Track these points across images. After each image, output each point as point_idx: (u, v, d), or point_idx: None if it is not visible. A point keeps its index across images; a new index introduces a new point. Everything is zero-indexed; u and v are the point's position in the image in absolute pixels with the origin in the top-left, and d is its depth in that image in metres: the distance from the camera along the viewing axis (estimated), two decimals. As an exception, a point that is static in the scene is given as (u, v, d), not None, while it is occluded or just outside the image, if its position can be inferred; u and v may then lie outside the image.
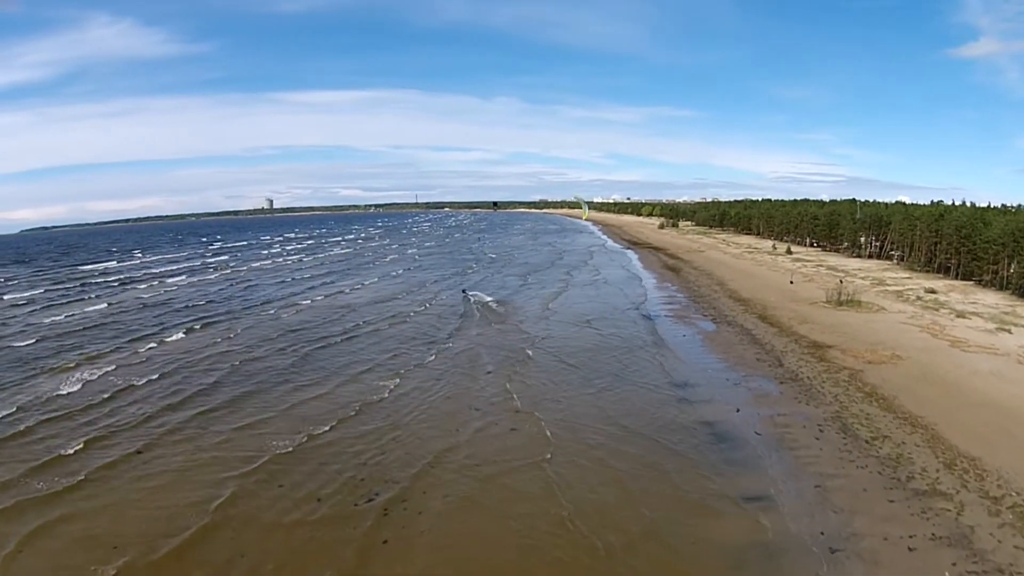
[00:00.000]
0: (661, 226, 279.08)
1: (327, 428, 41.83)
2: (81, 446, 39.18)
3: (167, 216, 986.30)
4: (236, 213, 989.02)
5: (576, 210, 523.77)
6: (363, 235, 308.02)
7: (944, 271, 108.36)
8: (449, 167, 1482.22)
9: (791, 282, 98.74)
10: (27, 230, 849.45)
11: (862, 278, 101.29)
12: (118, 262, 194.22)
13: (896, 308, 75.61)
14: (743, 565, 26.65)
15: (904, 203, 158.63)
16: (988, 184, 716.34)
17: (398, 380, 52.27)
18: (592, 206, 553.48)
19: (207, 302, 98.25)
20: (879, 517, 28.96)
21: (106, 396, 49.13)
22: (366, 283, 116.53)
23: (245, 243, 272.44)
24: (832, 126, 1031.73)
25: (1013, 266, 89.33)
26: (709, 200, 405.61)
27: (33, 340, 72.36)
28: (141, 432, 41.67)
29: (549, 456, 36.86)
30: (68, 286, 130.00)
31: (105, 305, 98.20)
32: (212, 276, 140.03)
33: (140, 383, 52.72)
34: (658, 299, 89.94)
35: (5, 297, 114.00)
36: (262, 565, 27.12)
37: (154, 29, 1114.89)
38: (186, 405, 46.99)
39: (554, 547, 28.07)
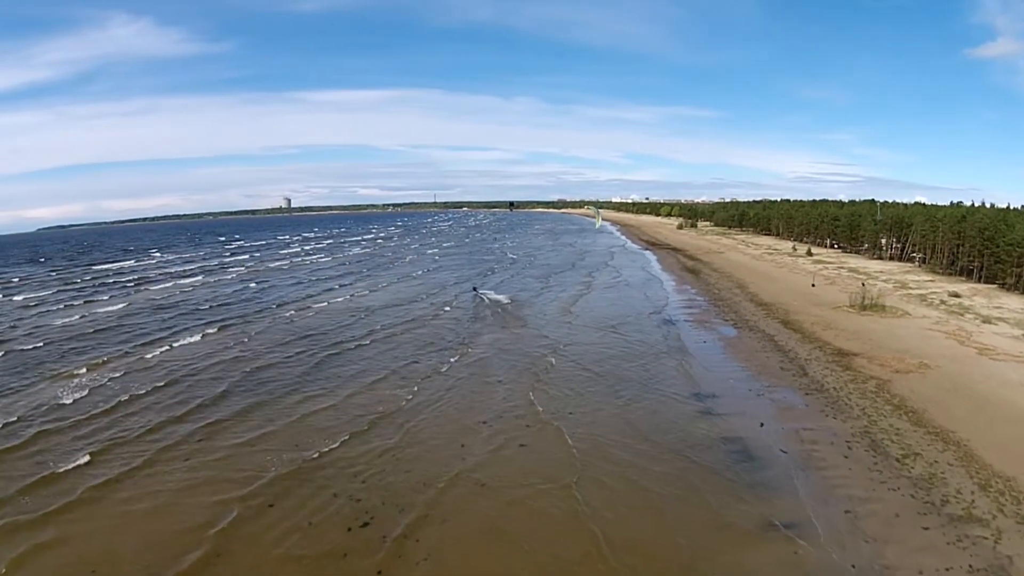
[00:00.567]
0: (680, 226, 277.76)
1: (336, 444, 40.32)
2: (77, 462, 38.15)
3: (184, 215, 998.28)
4: (254, 212, 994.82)
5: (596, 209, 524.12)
6: (382, 235, 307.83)
7: (967, 274, 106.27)
8: (468, 167, 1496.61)
9: (813, 285, 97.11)
10: (44, 228, 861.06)
11: (884, 281, 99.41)
12: (134, 262, 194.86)
13: (920, 313, 73.95)
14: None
15: (925, 204, 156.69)
16: (1007, 185, 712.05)
17: (414, 390, 50.87)
18: (610, 206, 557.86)
19: (221, 304, 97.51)
20: (913, 547, 27.43)
21: (108, 406, 48.13)
22: (384, 285, 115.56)
23: (263, 243, 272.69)
24: (850, 126, 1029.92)
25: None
26: (727, 200, 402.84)
27: (41, 343, 71.88)
28: (140, 447, 40.49)
29: (575, 480, 34.84)
30: (81, 286, 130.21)
31: (118, 307, 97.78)
32: (228, 277, 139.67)
33: (145, 391, 51.77)
34: (679, 302, 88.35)
35: (17, 298, 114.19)
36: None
37: (172, 29, 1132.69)
38: (190, 417, 45.80)
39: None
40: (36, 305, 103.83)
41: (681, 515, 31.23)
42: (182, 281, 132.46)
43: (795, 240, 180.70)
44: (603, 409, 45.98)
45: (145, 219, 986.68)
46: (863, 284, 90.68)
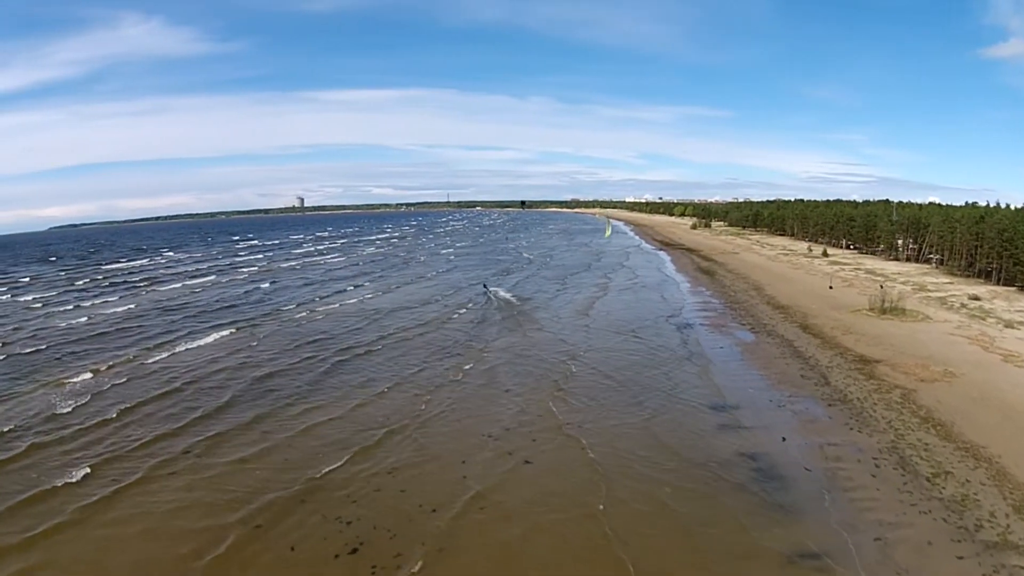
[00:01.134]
0: (694, 226, 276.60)
1: (342, 462, 38.33)
2: (68, 479, 36.66)
3: (197, 214, 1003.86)
4: (267, 211, 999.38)
5: (608, 210, 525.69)
6: (396, 235, 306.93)
7: (985, 276, 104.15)
8: (482, 166, 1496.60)
9: (830, 287, 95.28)
10: (56, 227, 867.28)
11: (902, 283, 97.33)
12: (145, 261, 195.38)
13: (941, 317, 72.22)
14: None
15: (941, 205, 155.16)
16: (1019, 185, 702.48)
17: (426, 400, 49.21)
18: (624, 206, 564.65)
19: (230, 306, 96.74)
20: (948, 580, 25.79)
21: (106, 416, 46.72)
22: (397, 286, 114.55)
23: (276, 242, 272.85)
24: (862, 126, 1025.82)
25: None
26: (741, 200, 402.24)
27: (44, 346, 71.18)
28: (134, 462, 38.89)
29: (601, 504, 32.57)
30: (90, 287, 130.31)
31: (125, 308, 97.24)
32: (239, 277, 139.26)
33: (146, 399, 50.57)
34: (694, 305, 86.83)
35: (24, 298, 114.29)
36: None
37: (183, 28, 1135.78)
38: (190, 430, 44.24)
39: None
40: (43, 306, 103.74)
41: (712, 540, 29.49)
42: (192, 281, 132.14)
43: (810, 240, 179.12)
44: (626, 421, 44.18)
45: (157, 218, 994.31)
46: (881, 286, 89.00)
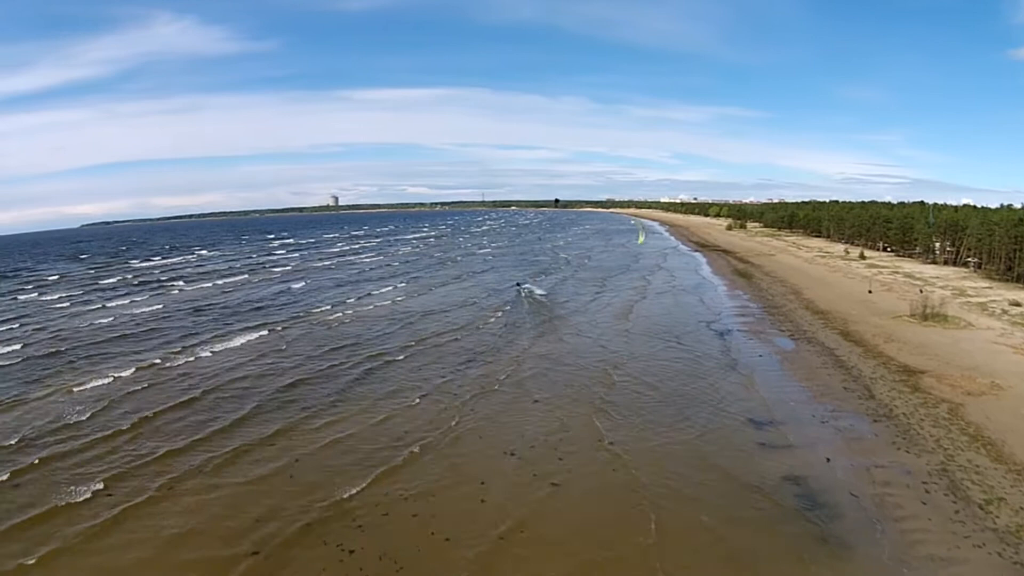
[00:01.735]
0: (729, 227, 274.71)
1: (364, 484, 35.48)
2: (72, 499, 34.45)
3: (230, 212, 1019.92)
4: (301, 210, 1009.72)
5: (644, 210, 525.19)
6: (432, 234, 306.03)
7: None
8: (516, 165, 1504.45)
9: (869, 291, 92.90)
10: (88, 224, 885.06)
11: (941, 287, 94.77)
12: (177, 259, 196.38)
13: (983, 324, 69.62)
14: None
15: (979, 207, 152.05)
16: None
17: (459, 412, 46.63)
18: (659, 206, 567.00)
19: (260, 307, 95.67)
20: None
21: (119, 428, 44.69)
22: (431, 287, 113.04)
23: (312, 240, 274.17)
24: (896, 127, 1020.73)
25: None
26: (775, 201, 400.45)
27: (65, 347, 70.32)
28: (142, 482, 36.45)
29: (651, 539, 29.82)
30: (118, 285, 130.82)
31: (152, 308, 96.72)
32: (271, 276, 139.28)
33: (163, 408, 48.51)
34: (732, 310, 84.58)
35: (49, 297, 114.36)
36: None
37: (215, 27, 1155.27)
38: (205, 444, 41.82)
39: None
40: (69, 305, 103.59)
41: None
42: (223, 281, 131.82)
43: (846, 243, 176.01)
44: (673, 438, 41.58)
45: (191, 216, 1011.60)
46: (921, 291, 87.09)
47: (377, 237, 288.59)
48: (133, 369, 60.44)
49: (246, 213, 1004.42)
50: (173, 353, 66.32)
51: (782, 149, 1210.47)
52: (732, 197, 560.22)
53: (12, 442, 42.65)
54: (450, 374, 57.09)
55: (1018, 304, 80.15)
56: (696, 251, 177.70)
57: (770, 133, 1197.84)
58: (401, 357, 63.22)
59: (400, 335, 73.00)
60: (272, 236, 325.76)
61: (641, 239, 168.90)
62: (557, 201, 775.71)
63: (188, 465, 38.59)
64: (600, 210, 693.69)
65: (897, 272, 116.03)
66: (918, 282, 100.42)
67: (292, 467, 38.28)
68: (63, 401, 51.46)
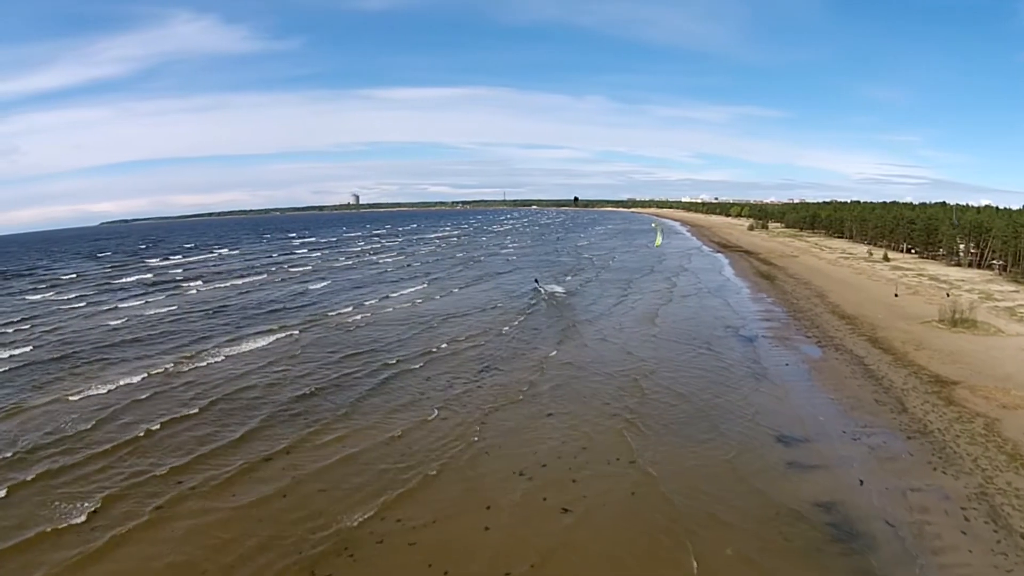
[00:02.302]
0: (751, 228, 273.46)
1: (371, 512, 32.70)
2: (57, 524, 31.98)
3: (251, 211, 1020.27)
4: (322, 208, 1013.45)
5: (665, 210, 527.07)
6: (455, 233, 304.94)
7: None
8: (538, 165, 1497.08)
9: (896, 295, 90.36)
10: (107, 222, 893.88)
11: (967, 291, 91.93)
12: (195, 258, 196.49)
13: (1014, 330, 66.88)
14: None
15: (1002, 209, 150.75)
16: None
17: (481, 425, 44.39)
18: (680, 205, 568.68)
19: (277, 308, 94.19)
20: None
21: (120, 440, 42.63)
22: (453, 289, 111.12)
23: (333, 239, 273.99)
24: (916, 127, 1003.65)
25: None
26: (796, 201, 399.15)
27: (73, 351, 68.77)
28: (137, 504, 33.97)
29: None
30: (134, 285, 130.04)
31: (167, 309, 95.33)
32: (291, 275, 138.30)
33: (168, 420, 46.39)
34: (757, 314, 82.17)
35: (63, 297, 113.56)
36: None
37: (236, 26, 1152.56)
38: (207, 461, 39.47)
39: None
40: (84, 305, 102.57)
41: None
42: (241, 280, 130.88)
43: (869, 244, 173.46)
44: (709, 457, 38.96)
45: (211, 214, 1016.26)
46: (948, 294, 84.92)
47: (398, 236, 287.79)
48: (140, 376, 58.49)
49: (267, 212, 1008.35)
50: (183, 359, 64.53)
51: (802, 149, 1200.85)
52: (753, 197, 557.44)
53: (8, 455, 40.66)
54: (473, 384, 54.71)
55: (1047, 308, 79.07)
56: (718, 252, 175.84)
57: (791, 133, 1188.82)
58: (419, 365, 60.79)
59: (419, 340, 71.04)
60: (293, 235, 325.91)
61: (659, 241, 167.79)
62: (576, 200, 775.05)
63: (186, 485, 36.18)
64: (621, 209, 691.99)
65: (922, 275, 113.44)
66: (944, 285, 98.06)
67: (300, 489, 35.76)
68: (63, 410, 49.59)
